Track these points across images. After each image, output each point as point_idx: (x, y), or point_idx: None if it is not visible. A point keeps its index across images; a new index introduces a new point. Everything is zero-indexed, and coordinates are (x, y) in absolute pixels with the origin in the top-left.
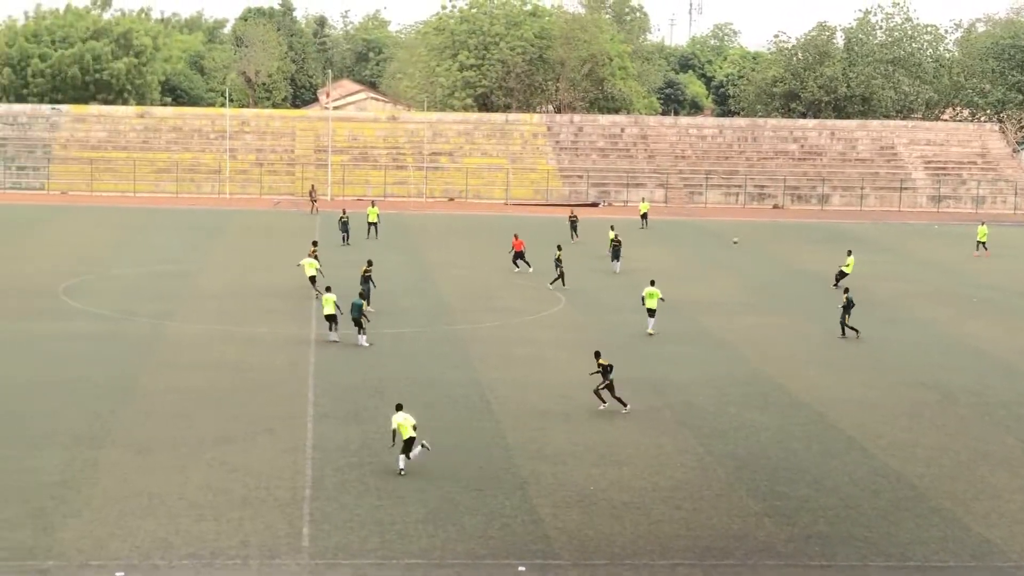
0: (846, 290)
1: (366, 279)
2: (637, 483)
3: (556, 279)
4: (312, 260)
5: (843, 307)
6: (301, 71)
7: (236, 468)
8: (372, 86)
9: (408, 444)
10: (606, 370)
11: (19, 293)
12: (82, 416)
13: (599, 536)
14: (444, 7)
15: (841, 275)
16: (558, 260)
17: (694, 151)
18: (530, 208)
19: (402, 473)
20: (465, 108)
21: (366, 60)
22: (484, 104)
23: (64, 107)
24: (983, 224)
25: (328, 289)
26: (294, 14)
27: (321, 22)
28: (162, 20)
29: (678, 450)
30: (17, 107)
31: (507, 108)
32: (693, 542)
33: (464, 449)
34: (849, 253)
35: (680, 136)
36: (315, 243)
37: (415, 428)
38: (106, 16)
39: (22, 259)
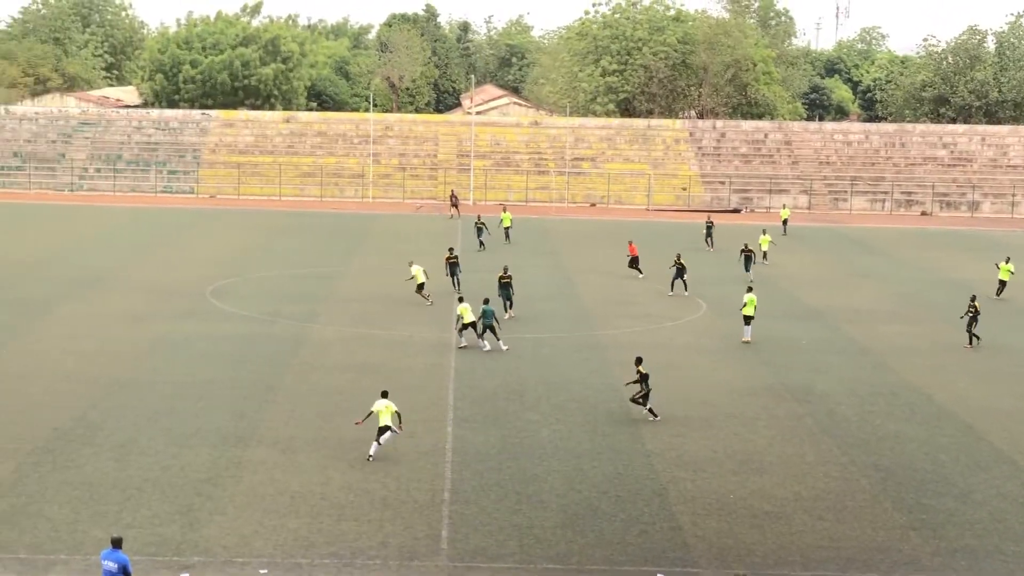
0: (973, 298)
1: (504, 285)
2: (778, 492)
3: (674, 284)
4: (420, 268)
5: (970, 316)
6: (444, 76)
7: (377, 469)
8: (515, 91)
9: (382, 431)
10: (644, 378)
11: (169, 295)
12: (228, 415)
13: (739, 545)
14: (587, 12)
15: (1002, 285)
16: (679, 266)
17: (839, 157)
18: (671, 214)
19: (370, 459)
20: (607, 113)
21: (509, 65)
22: (626, 109)
23: (213, 112)
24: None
25: (461, 300)
26: (438, 20)
27: (465, 27)
28: (309, 26)
29: (821, 460)
30: (169, 112)
31: (649, 113)
32: (835, 553)
33: (603, 455)
34: (1007, 260)
35: (825, 142)
36: (451, 249)
37: (399, 416)
38: (255, 23)
39: (172, 261)
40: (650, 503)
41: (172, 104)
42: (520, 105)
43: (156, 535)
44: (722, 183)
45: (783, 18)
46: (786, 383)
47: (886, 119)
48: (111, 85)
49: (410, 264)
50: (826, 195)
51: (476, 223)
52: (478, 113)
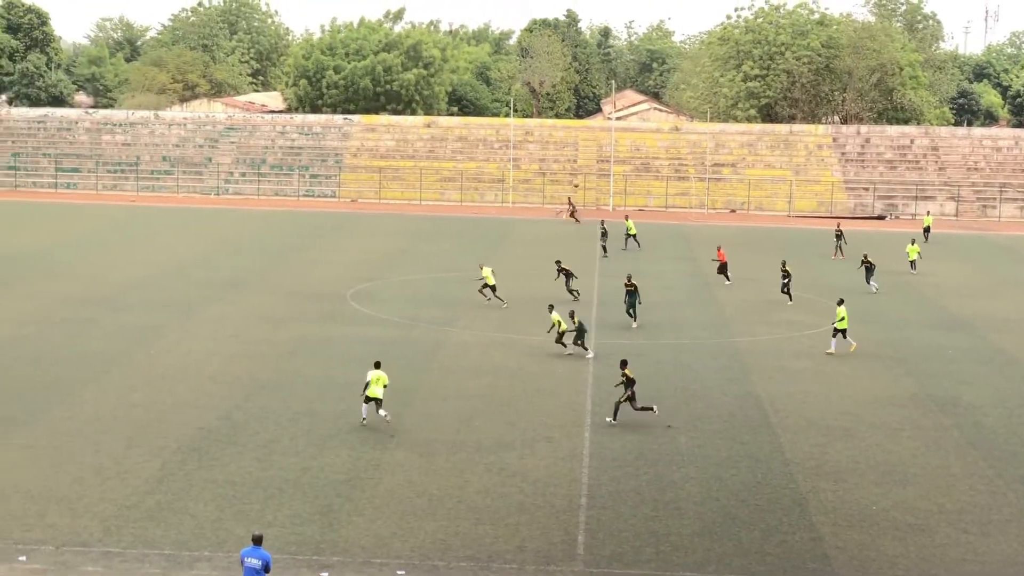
0: None
1: (630, 292)
2: (922, 504)
3: (787, 291)
4: (489, 270)
5: None
6: (585, 81)
7: (514, 474)
8: (655, 97)
9: (372, 400)
10: (630, 383)
11: (311, 297)
12: (368, 418)
13: (880, 557)
14: (729, 17)
15: None
16: (785, 275)
17: (988, 163)
18: (814, 220)
19: (364, 423)
20: (748, 119)
21: (650, 71)
22: (768, 115)
23: (355, 117)
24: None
25: (551, 308)
26: (579, 25)
27: (605, 33)
28: (450, 32)
29: (966, 472)
30: (312, 117)
31: (791, 119)
32: (980, 568)
33: (741, 463)
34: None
35: (973, 148)
36: (559, 262)
37: (385, 387)
38: (397, 29)
39: (314, 264)
40: (789, 512)
41: (315, 109)
42: (660, 111)
43: (296, 534)
44: (865, 189)
45: (930, 21)
46: (931, 393)
47: None
48: (256, 91)
49: (481, 266)
50: (974, 202)
51: (600, 228)
52: (618, 119)
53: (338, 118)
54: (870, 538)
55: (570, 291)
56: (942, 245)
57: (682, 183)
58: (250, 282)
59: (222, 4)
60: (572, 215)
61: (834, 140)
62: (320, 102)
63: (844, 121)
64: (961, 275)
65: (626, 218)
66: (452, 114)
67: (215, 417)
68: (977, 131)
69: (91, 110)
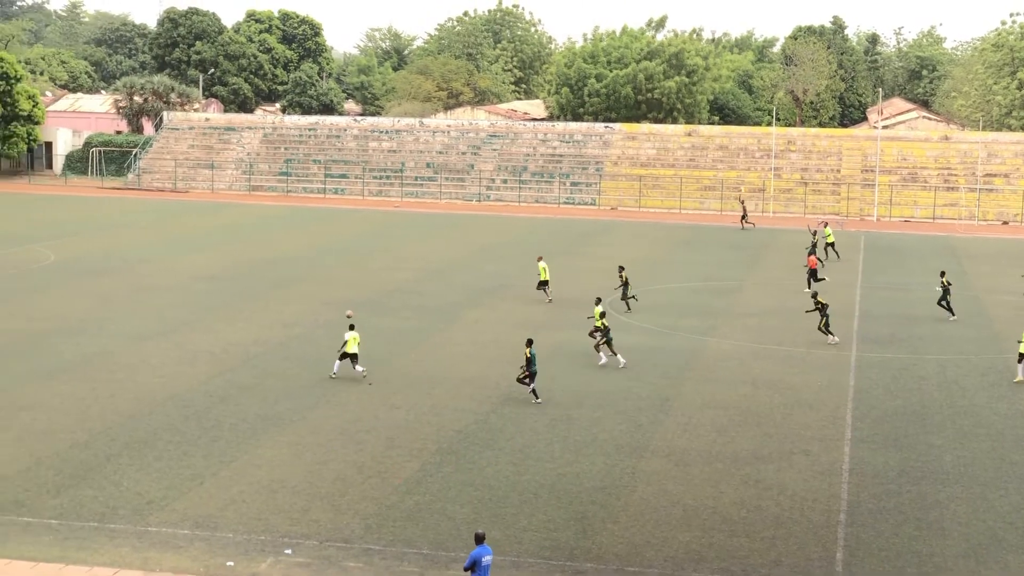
0: None
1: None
2: None
3: (946, 304)
4: (544, 266)
5: None
6: (850, 89)
7: (770, 486)
8: (924, 105)
9: (348, 356)
10: (529, 361)
11: (568, 304)
12: (623, 425)
13: None
14: (1004, 23)
15: None
16: (944, 288)
17: None
18: None
19: (333, 376)
20: (1023, 128)
21: (919, 78)
22: None
23: (616, 125)
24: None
25: (598, 301)
26: (845, 32)
27: (873, 39)
28: (713, 40)
29: None
30: (573, 125)
31: None
32: None
33: (1010, 484)
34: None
35: None
36: (621, 268)
37: (358, 345)
38: (659, 37)
39: (572, 271)
40: None
41: (576, 117)
42: (929, 119)
43: (551, 539)
44: None
45: None
46: None
47: None
48: (519, 99)
49: (539, 259)
50: None
51: (812, 236)
52: (884, 127)
53: (599, 126)
54: None
55: (625, 299)
56: None
57: (951, 193)
58: (510, 287)
59: (487, 13)
60: (743, 220)
61: None
62: (581, 110)
63: None
64: None
65: (824, 225)
66: (713, 123)
67: (473, 421)
68: None
69: (359, 118)
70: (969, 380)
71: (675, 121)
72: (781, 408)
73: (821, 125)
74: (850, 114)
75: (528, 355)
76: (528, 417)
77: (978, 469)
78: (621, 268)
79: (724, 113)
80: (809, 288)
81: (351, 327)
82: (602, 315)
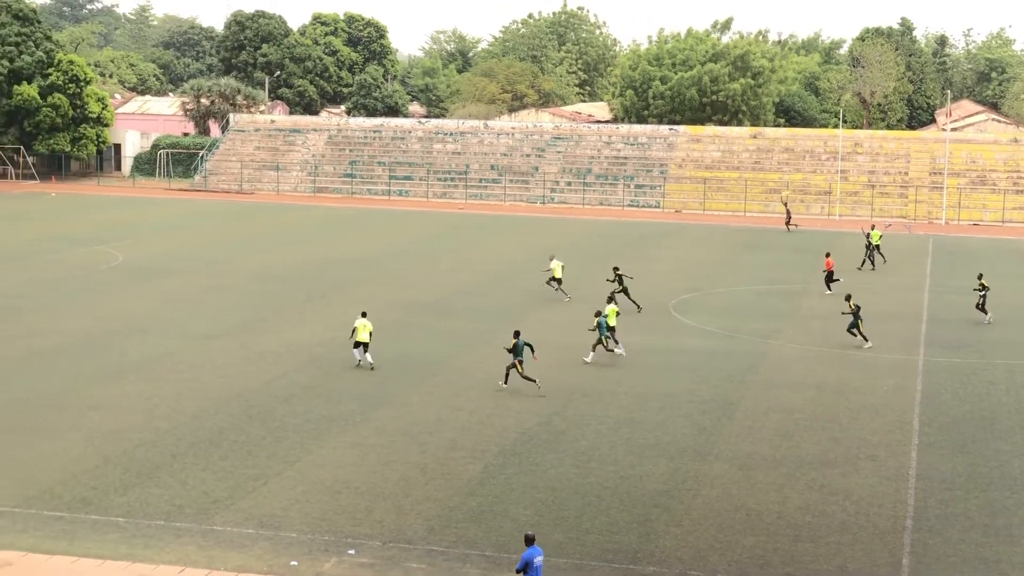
0: None
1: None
2: None
3: (982, 307)
4: (559, 264)
5: None
6: (918, 91)
7: (836, 492)
8: (993, 107)
9: (360, 345)
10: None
11: (633, 306)
12: (687, 428)
13: None
14: None
15: None
16: (981, 288)
17: None
18: None
19: (359, 364)
20: None
21: (988, 80)
22: None
23: (681, 128)
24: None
25: (611, 299)
26: (914, 33)
27: (941, 41)
28: (779, 42)
29: None
30: (638, 127)
31: None
32: None
33: None
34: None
35: None
36: (615, 268)
37: (371, 335)
38: (724, 39)
39: (637, 274)
40: None
41: (641, 119)
42: (999, 122)
43: (613, 543)
44: None
45: None
46: None
47: None
48: (583, 101)
49: (551, 258)
50: None
51: (866, 237)
52: (953, 130)
53: (663, 128)
54: None
55: (633, 301)
56: None
57: (1020, 197)
58: (572, 290)
59: (552, 16)
60: (787, 223)
61: None
62: (646, 112)
63: None
64: None
65: (872, 228)
66: (779, 125)
67: (536, 423)
68: None
69: (423, 120)
70: None
71: (740, 123)
72: (847, 412)
73: (888, 127)
74: (918, 116)
75: (514, 345)
76: (591, 419)
77: None
78: (616, 269)
79: (790, 115)
80: (830, 290)
81: (363, 314)
82: (617, 315)
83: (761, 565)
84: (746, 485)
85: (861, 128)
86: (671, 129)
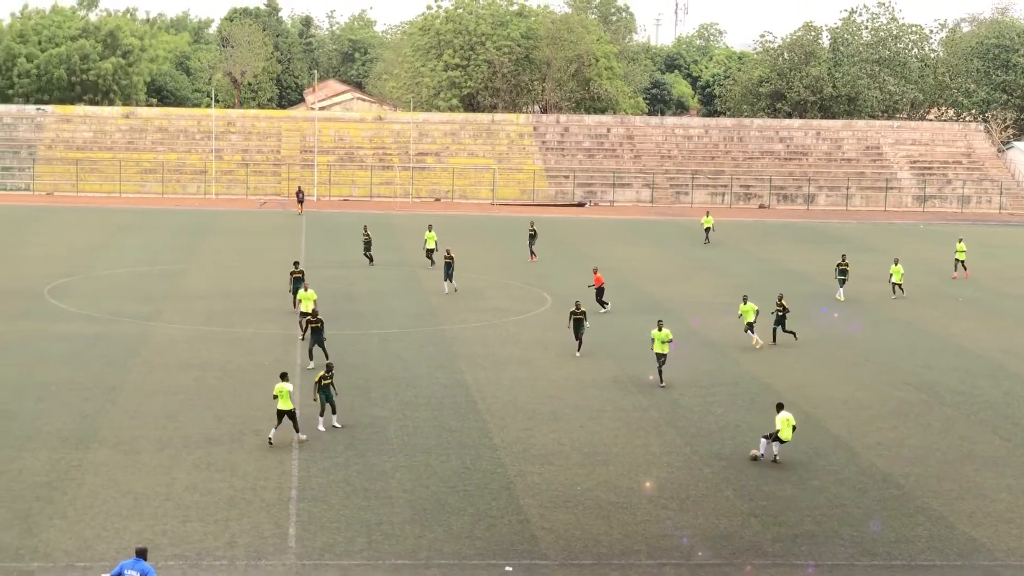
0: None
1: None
2: (624, 483)
3: (775, 332)
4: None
5: (777, 314)
6: (287, 71)
7: (222, 469)
8: (358, 86)
9: (285, 414)
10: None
11: (5, 294)
12: (68, 417)
13: (586, 536)
14: (429, 7)
15: (896, 286)
16: (779, 308)
17: (680, 151)
18: (517, 208)
19: (271, 443)
20: (451, 108)
21: (352, 60)
22: (470, 104)
23: (49, 108)
24: (961, 241)
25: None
26: (280, 14)
27: (307, 22)
28: (148, 20)
29: (664, 450)
30: (2, 108)
31: (493, 108)
32: (679, 542)
33: (451, 450)
34: (896, 262)
35: (666, 136)
36: (296, 263)
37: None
38: (92, 16)
39: (8, 260)
40: (498, 497)
41: (6, 99)
42: (364, 100)
43: None
44: (566, 177)
45: (623, 14)
46: (631, 375)
47: (724, 114)
48: None
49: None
50: (668, 189)
51: (529, 230)
52: (321, 108)
53: (30, 108)
54: (575, 517)
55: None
56: (639, 231)
57: (387, 172)
58: None
59: None
60: (300, 202)
61: (535, 129)
62: (11, 91)
63: (544, 110)
64: (658, 260)
65: (707, 214)
66: (152, 105)
67: None
68: (669, 120)
69: None
70: (410, 353)
71: (112, 103)
72: (230, 390)
73: (260, 107)
74: (288, 95)
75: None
76: None
77: (420, 438)
78: (296, 263)
79: (162, 95)
80: (605, 308)
81: (283, 376)
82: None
83: (150, 549)
84: (132, 470)
85: (233, 107)
86: (39, 109)
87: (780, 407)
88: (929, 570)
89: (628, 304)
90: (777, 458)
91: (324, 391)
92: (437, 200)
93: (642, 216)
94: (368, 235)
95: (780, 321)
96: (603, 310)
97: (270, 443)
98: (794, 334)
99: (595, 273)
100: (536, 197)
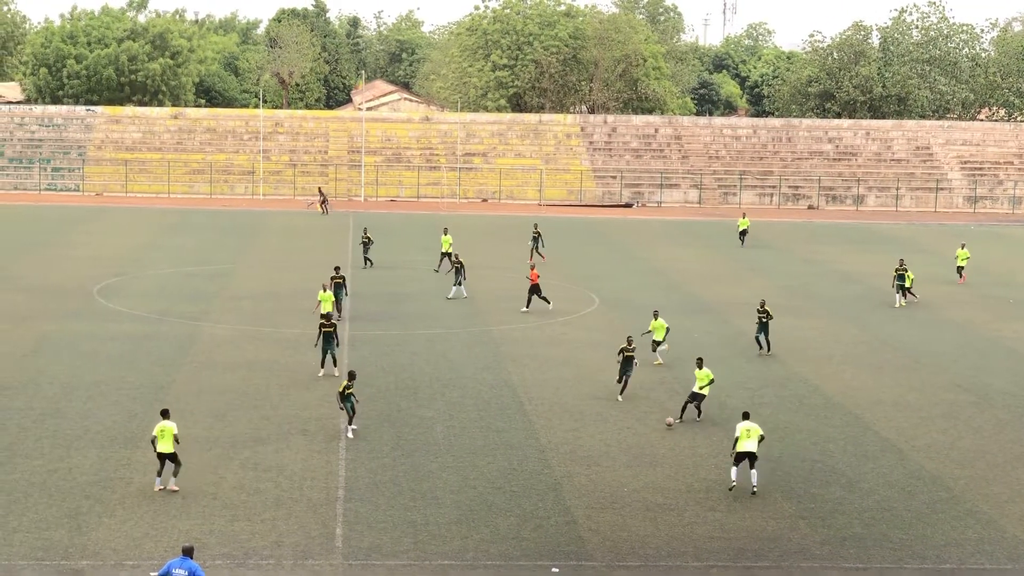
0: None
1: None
2: (671, 484)
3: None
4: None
5: (760, 322)
6: (334, 72)
7: (269, 468)
8: (405, 87)
9: (167, 457)
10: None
11: (55, 294)
12: (117, 416)
13: (632, 538)
14: (477, 7)
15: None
16: (762, 314)
17: (728, 151)
18: (564, 209)
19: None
20: (498, 109)
21: (399, 61)
22: (517, 105)
23: (99, 108)
24: (963, 247)
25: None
26: (327, 15)
27: (354, 23)
28: (197, 21)
29: (712, 452)
30: (52, 108)
31: (540, 108)
32: (727, 544)
33: (497, 450)
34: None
35: (714, 136)
36: (337, 268)
37: (176, 441)
38: (141, 18)
39: (58, 260)
40: (544, 497)
41: (56, 100)
42: (411, 101)
43: (44, 539)
44: (613, 177)
45: (671, 14)
46: (678, 376)
47: (773, 114)
48: None
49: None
50: (716, 189)
51: (533, 232)
52: (368, 109)
53: (80, 109)
54: (622, 519)
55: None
56: (686, 232)
57: (433, 173)
58: None
59: None
60: (323, 203)
61: (582, 129)
62: (61, 92)
63: (591, 111)
64: (705, 261)
65: (743, 216)
66: (200, 105)
67: None
68: (717, 120)
69: None
70: (456, 353)
71: (161, 104)
72: (277, 390)
73: (307, 107)
74: (335, 96)
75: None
76: (14, 413)
77: (467, 439)
78: (336, 268)
79: (211, 96)
80: (549, 304)
81: (164, 414)
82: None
83: (198, 548)
84: (182, 469)
85: (281, 108)
86: (89, 110)
87: (746, 415)
88: (979, 573)
89: (675, 305)
90: (755, 490)
91: (347, 400)
92: (484, 201)
93: (690, 217)
94: (368, 237)
95: (763, 328)
96: (549, 306)
97: (159, 490)
98: (768, 345)
99: (532, 270)
100: (583, 198)
